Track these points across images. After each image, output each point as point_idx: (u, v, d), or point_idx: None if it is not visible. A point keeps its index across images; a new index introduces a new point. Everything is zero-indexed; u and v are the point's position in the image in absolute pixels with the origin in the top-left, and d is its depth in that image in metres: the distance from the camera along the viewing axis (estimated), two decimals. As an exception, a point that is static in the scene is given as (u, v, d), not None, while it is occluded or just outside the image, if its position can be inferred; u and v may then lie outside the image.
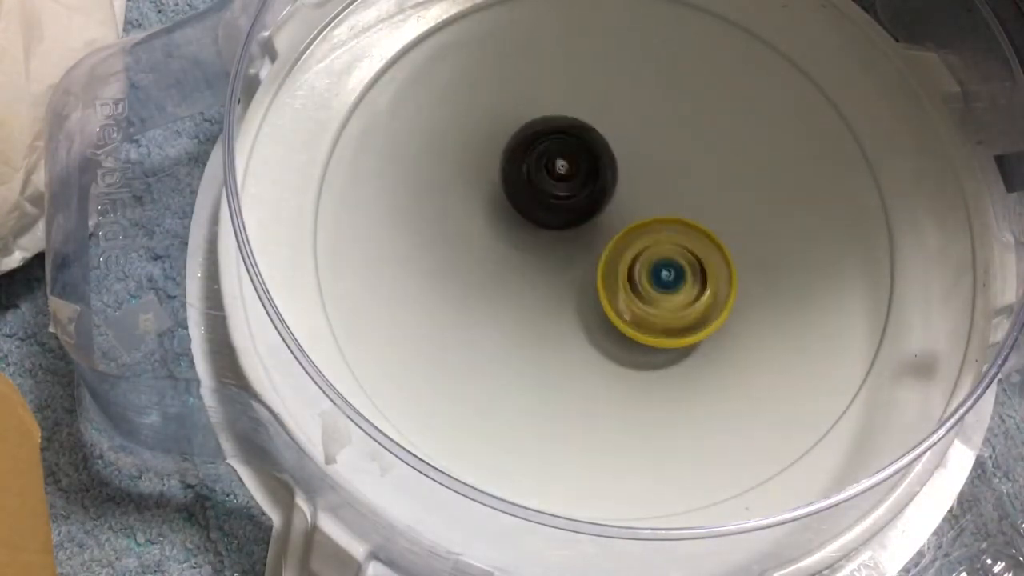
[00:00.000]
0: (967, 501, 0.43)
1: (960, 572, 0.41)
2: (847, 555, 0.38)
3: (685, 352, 0.42)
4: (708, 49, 0.47)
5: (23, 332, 0.45)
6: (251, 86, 0.44)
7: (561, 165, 0.42)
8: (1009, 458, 0.45)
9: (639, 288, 0.41)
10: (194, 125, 0.49)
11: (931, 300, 0.42)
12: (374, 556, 0.37)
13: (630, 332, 0.41)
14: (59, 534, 0.42)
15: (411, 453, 0.33)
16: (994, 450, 0.45)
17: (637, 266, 0.41)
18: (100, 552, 0.42)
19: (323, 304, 0.41)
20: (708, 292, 0.41)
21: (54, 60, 0.42)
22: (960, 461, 0.40)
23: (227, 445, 0.39)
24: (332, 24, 0.45)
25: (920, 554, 0.39)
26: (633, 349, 0.42)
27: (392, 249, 0.43)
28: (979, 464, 0.44)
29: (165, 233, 0.47)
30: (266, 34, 0.43)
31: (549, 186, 0.42)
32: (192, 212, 0.44)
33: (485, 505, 0.33)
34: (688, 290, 0.41)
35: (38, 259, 0.44)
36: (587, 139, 0.42)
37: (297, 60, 0.44)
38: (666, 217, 0.42)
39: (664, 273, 0.41)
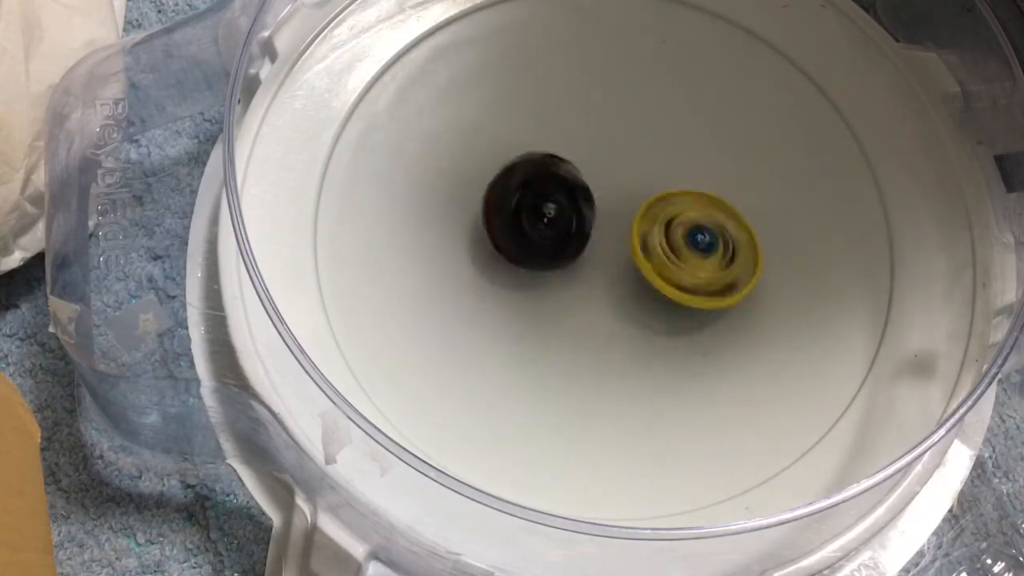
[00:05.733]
0: (967, 501, 0.43)
1: (960, 572, 0.41)
2: (847, 555, 0.38)
3: (684, 352, 0.42)
4: (708, 49, 0.47)
5: (23, 332, 0.45)
6: (251, 86, 0.44)
7: (548, 210, 0.42)
8: (1009, 458, 0.45)
9: (675, 244, 0.41)
10: (194, 125, 0.49)
11: (931, 300, 0.42)
12: (374, 556, 0.37)
13: (657, 282, 0.41)
14: (59, 534, 0.42)
15: (411, 453, 0.33)
16: (994, 450, 0.45)
17: (675, 223, 0.42)
18: (100, 552, 0.42)
19: (323, 304, 0.41)
20: (737, 262, 0.41)
21: (54, 60, 0.42)
22: (960, 461, 0.40)
23: (227, 445, 0.39)
24: (332, 24, 0.45)
25: (920, 554, 0.39)
26: (633, 348, 0.42)
27: (392, 249, 0.43)
28: (979, 464, 0.44)
29: (165, 233, 0.47)
30: (266, 34, 0.43)
31: (534, 235, 0.42)
32: (192, 212, 0.44)
33: (485, 505, 0.33)
34: (718, 258, 0.41)
35: (38, 259, 0.44)
36: (565, 179, 0.42)
37: (297, 60, 0.44)
38: (703, 192, 0.43)
39: (700, 236, 0.41)
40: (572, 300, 0.43)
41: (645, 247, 0.42)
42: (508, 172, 0.42)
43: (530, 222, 0.41)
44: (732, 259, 0.42)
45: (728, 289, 0.42)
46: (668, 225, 0.42)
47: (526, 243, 0.42)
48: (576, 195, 0.42)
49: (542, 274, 0.43)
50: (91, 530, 0.42)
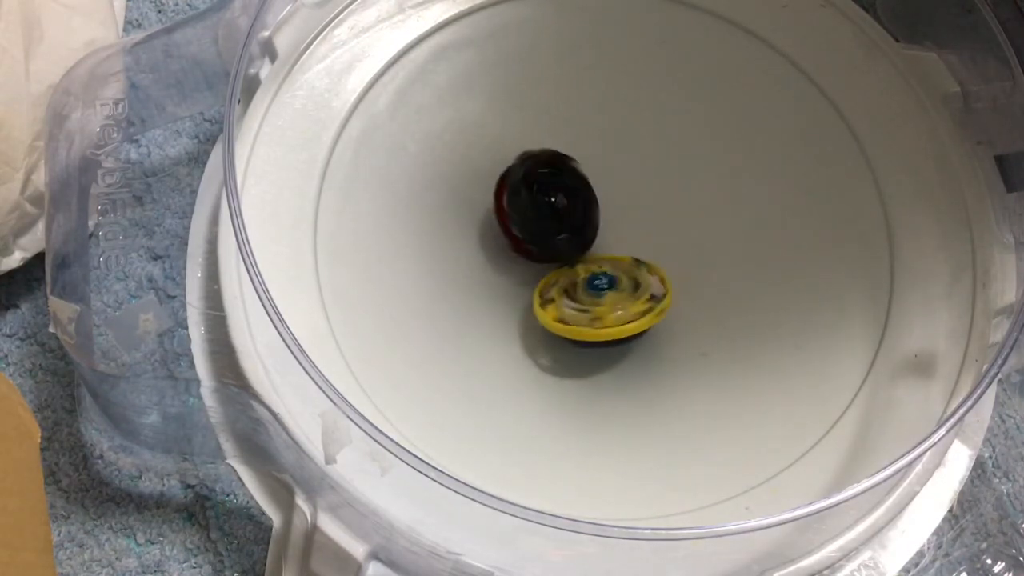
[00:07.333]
0: (967, 501, 0.43)
1: (960, 572, 0.41)
2: (847, 555, 0.38)
3: (684, 352, 0.42)
4: (708, 49, 0.47)
5: (23, 332, 0.45)
6: (251, 86, 0.44)
7: (561, 204, 0.42)
8: (1009, 458, 0.45)
9: (576, 296, 0.41)
10: (194, 125, 0.49)
11: (931, 300, 0.42)
12: (374, 556, 0.37)
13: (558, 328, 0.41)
14: (59, 534, 0.42)
15: (411, 453, 0.33)
16: (994, 450, 0.45)
17: (574, 281, 0.42)
18: (100, 552, 0.42)
19: (323, 304, 0.41)
20: (639, 291, 0.41)
21: (54, 60, 0.42)
22: (960, 461, 0.40)
23: (227, 445, 0.39)
24: (332, 24, 0.45)
25: (920, 554, 0.39)
26: (633, 347, 0.42)
27: (392, 249, 0.43)
28: (979, 464, 0.44)
29: (165, 233, 0.47)
30: (266, 34, 0.43)
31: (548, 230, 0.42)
32: (192, 212, 0.44)
33: (485, 505, 0.33)
34: (619, 294, 0.41)
35: (38, 259, 0.44)
36: (577, 184, 0.43)
37: (297, 60, 0.44)
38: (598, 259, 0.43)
39: (597, 281, 0.41)
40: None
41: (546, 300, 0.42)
42: (524, 162, 0.42)
43: (541, 212, 0.42)
44: (634, 292, 0.41)
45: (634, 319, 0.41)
46: (571, 281, 0.42)
47: (537, 231, 0.42)
48: (585, 195, 0.42)
49: (543, 273, 0.43)
50: (91, 530, 0.42)
